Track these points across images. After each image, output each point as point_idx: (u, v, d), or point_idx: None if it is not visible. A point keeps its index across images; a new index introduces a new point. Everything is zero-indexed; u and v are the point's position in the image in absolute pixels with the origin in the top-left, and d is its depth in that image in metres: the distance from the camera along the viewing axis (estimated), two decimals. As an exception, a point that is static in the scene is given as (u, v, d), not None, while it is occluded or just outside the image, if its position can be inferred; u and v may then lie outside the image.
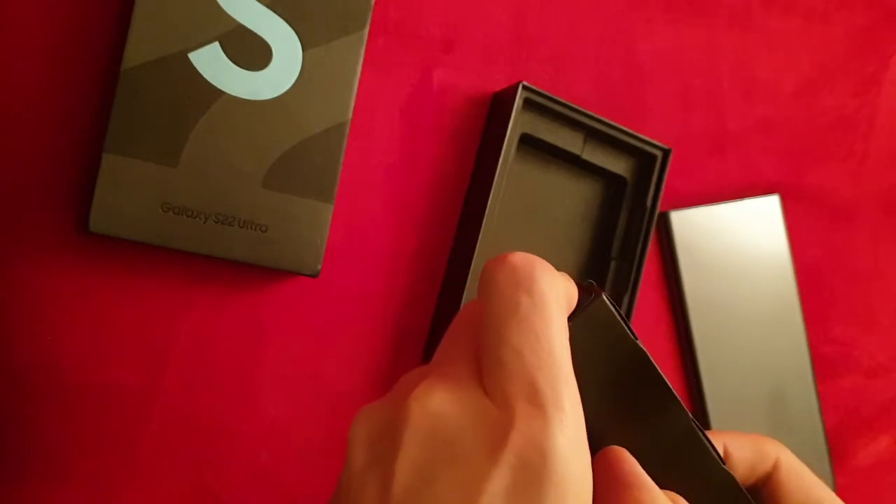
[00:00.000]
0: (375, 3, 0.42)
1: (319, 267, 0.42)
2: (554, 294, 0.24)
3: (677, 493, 0.26)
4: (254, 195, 0.40)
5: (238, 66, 0.40)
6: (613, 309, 0.27)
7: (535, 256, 0.25)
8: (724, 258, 0.53)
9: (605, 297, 0.27)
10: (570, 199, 0.50)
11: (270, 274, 0.44)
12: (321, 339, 0.46)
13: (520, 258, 0.25)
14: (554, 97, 0.46)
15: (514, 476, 0.21)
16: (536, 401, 0.22)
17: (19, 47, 0.40)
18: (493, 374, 0.23)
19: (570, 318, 0.26)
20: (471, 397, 0.23)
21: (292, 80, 0.41)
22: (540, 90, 0.45)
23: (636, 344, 0.27)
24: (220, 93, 0.40)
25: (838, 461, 0.58)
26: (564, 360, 0.23)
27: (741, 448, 0.31)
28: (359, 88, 0.42)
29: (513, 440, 0.22)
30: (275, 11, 0.40)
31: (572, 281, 0.27)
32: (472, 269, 0.44)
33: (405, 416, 0.23)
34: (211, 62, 0.39)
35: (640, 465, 0.26)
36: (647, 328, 0.53)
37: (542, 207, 0.49)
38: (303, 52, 0.41)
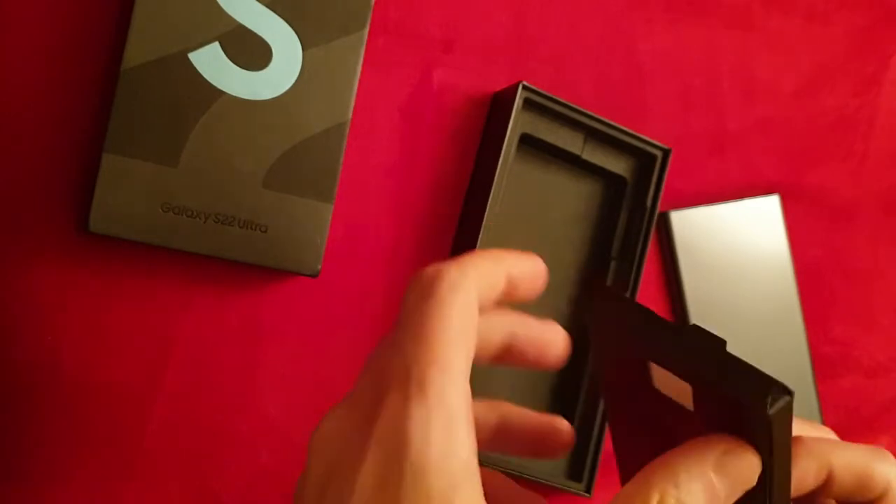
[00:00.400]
0: (375, 3, 0.42)
1: (319, 267, 0.42)
2: (455, 290, 0.24)
3: None
4: (254, 195, 0.40)
5: (238, 66, 0.40)
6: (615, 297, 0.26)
7: (451, 262, 0.25)
8: (725, 258, 0.53)
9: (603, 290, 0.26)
10: (570, 199, 0.50)
11: (270, 274, 0.44)
12: (321, 339, 0.46)
13: (430, 268, 0.25)
14: (554, 97, 0.46)
15: (380, 464, 0.22)
16: (403, 387, 0.22)
17: (19, 47, 0.40)
18: (378, 375, 0.24)
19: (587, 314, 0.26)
20: (359, 404, 0.24)
21: (292, 80, 0.41)
22: (540, 90, 0.45)
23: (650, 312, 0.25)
24: (220, 93, 0.40)
25: (838, 461, 0.58)
26: (444, 350, 0.23)
27: (846, 468, 0.26)
28: (359, 88, 0.42)
29: (377, 429, 0.22)
30: (275, 11, 0.40)
31: (503, 265, 0.26)
32: (472, 269, 0.44)
33: (309, 442, 0.25)
34: (211, 62, 0.39)
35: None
36: (647, 328, 0.53)
37: (542, 207, 0.49)
38: (303, 52, 0.41)
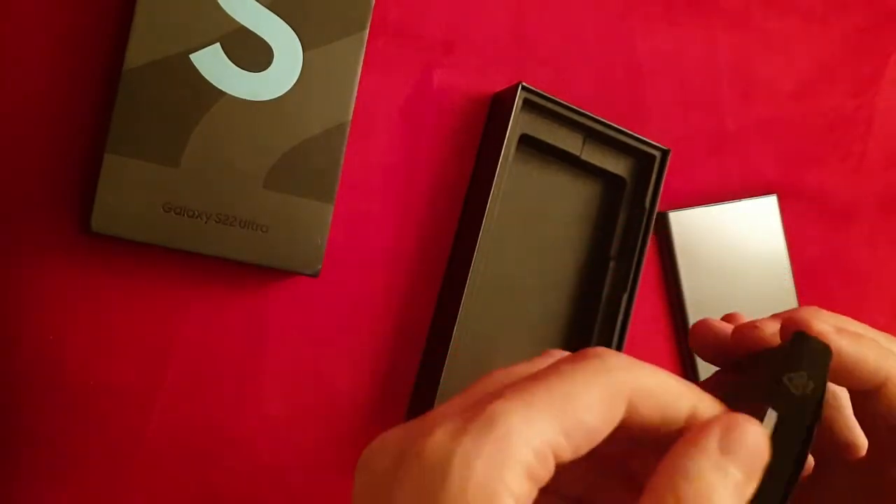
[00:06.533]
0: (375, 3, 0.42)
1: (319, 267, 0.42)
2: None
3: None
4: (254, 195, 0.41)
5: (239, 66, 0.40)
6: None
7: (407, 429, 0.21)
8: (723, 258, 0.54)
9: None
10: (570, 199, 0.50)
11: (271, 274, 0.44)
12: (321, 339, 0.46)
13: (375, 444, 0.21)
14: (553, 98, 0.46)
15: (415, 491, 0.20)
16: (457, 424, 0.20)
17: (22, 48, 0.40)
18: None
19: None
20: (412, 425, 0.21)
21: (293, 81, 0.41)
22: (539, 91, 0.45)
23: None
24: (221, 93, 0.40)
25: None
26: None
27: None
28: (359, 89, 0.42)
29: (423, 450, 0.20)
30: (275, 12, 0.41)
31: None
32: (471, 268, 0.44)
33: (359, 459, 0.22)
34: (212, 63, 0.40)
35: None
36: (646, 328, 0.53)
37: (542, 208, 0.49)
38: (303, 53, 0.41)
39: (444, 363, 0.44)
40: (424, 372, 0.47)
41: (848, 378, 0.25)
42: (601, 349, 0.22)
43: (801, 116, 0.57)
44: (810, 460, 0.28)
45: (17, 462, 0.41)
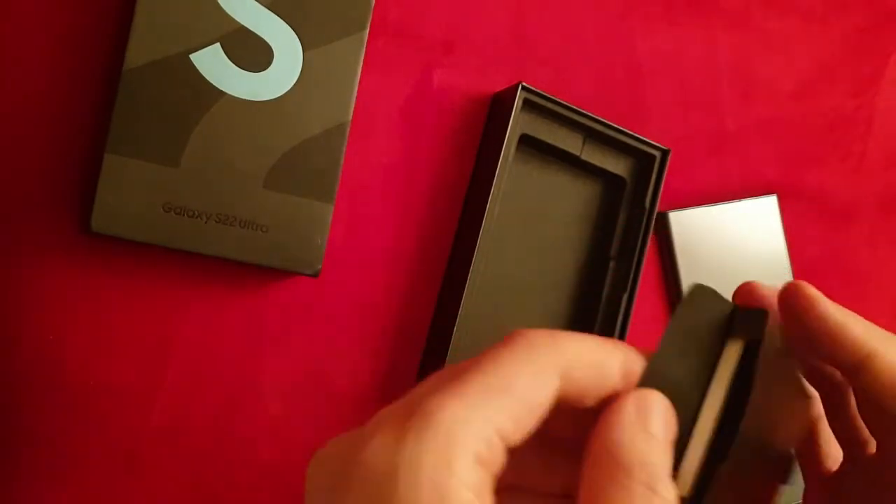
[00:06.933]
0: (375, 3, 0.42)
1: (319, 267, 0.42)
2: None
3: None
4: (254, 195, 0.41)
5: (239, 66, 0.40)
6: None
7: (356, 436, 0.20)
8: (723, 258, 0.54)
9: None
10: (570, 199, 0.50)
11: (270, 274, 0.44)
12: (321, 339, 0.46)
13: (382, 455, 0.19)
14: (553, 98, 0.46)
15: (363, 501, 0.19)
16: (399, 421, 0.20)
17: (22, 48, 0.40)
18: None
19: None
20: (356, 432, 0.21)
21: (293, 81, 0.41)
22: (539, 91, 0.45)
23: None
24: (221, 93, 0.40)
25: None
26: None
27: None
28: (359, 89, 0.42)
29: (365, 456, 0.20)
30: (275, 12, 0.41)
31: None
32: (471, 268, 0.44)
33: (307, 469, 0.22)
34: (212, 63, 0.40)
35: None
36: (646, 328, 0.53)
37: (542, 208, 0.49)
38: (303, 53, 0.41)
39: (444, 363, 0.44)
40: (424, 372, 0.47)
41: (832, 346, 0.26)
42: (526, 329, 0.22)
43: (801, 116, 0.57)
44: (837, 453, 0.29)
45: (17, 462, 0.41)
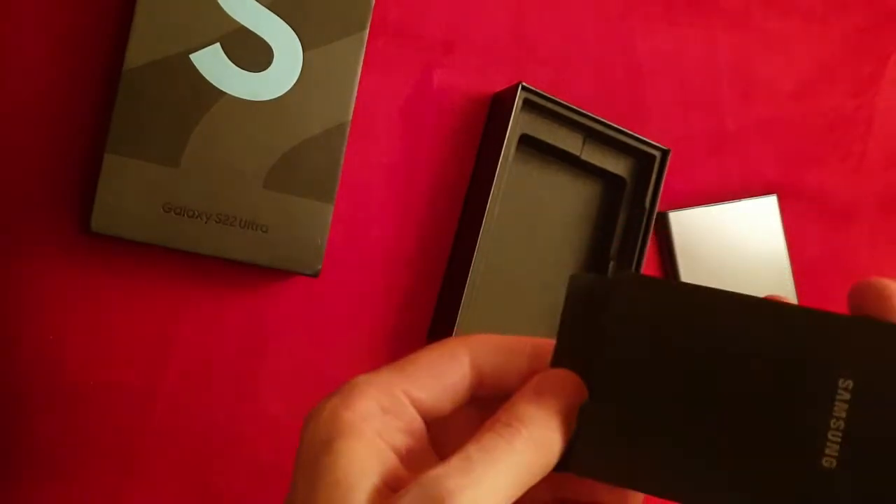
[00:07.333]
0: (375, 3, 0.42)
1: (319, 267, 0.42)
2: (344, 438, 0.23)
3: None
4: (254, 195, 0.41)
5: (239, 66, 0.40)
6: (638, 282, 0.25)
7: (340, 397, 0.24)
8: (723, 258, 0.54)
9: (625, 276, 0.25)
10: (570, 199, 0.50)
11: (270, 274, 0.44)
12: (321, 339, 0.46)
13: (314, 412, 0.24)
14: (553, 98, 0.46)
15: None
16: None
17: (22, 48, 0.40)
18: None
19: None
20: None
21: (293, 81, 0.41)
22: (539, 91, 0.45)
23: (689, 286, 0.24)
24: (221, 93, 0.40)
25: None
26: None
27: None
28: (359, 89, 0.42)
29: None
30: (275, 12, 0.41)
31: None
32: (471, 268, 0.44)
33: None
34: (212, 63, 0.40)
35: None
36: (646, 328, 0.53)
37: (542, 208, 0.49)
38: (303, 53, 0.41)
39: (444, 363, 0.44)
40: (424, 372, 0.47)
41: None
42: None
43: (801, 116, 0.57)
44: None
45: (17, 462, 0.41)
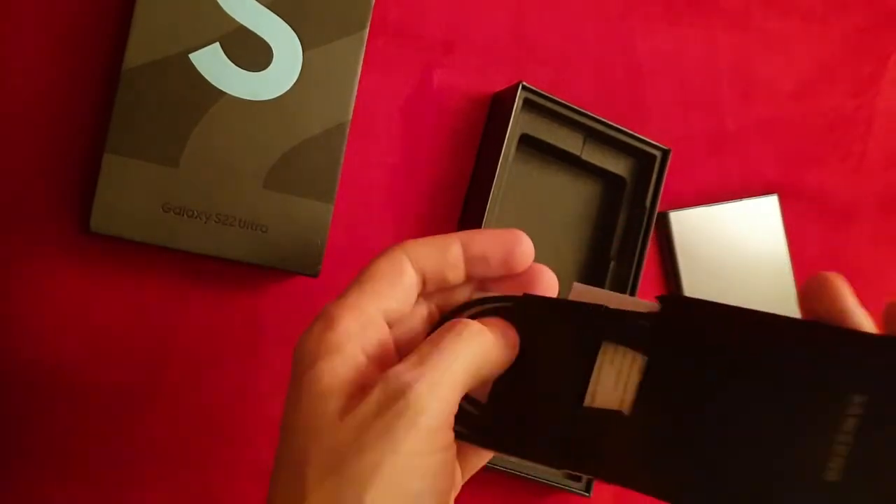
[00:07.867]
0: (375, 3, 0.42)
1: (319, 267, 0.42)
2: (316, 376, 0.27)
3: None
4: (254, 195, 0.41)
5: (238, 66, 0.40)
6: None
7: (322, 328, 0.28)
8: (723, 258, 0.54)
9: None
10: (570, 199, 0.50)
11: (270, 274, 0.44)
12: (321, 339, 0.46)
13: (303, 338, 0.29)
14: (553, 97, 0.46)
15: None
16: None
17: (21, 48, 0.40)
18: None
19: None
20: None
21: (293, 81, 0.41)
22: (539, 91, 0.45)
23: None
24: (221, 93, 0.40)
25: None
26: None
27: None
28: (359, 89, 0.42)
29: None
30: (275, 12, 0.41)
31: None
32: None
33: None
34: (211, 63, 0.40)
35: None
36: (646, 328, 0.53)
37: (542, 208, 0.49)
38: (303, 53, 0.41)
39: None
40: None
41: None
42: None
43: (801, 116, 0.57)
44: None
45: (16, 462, 0.41)
